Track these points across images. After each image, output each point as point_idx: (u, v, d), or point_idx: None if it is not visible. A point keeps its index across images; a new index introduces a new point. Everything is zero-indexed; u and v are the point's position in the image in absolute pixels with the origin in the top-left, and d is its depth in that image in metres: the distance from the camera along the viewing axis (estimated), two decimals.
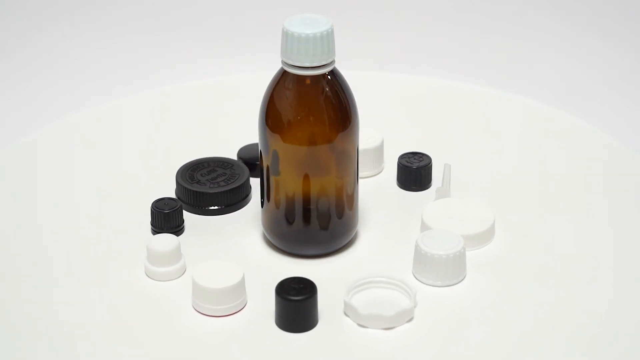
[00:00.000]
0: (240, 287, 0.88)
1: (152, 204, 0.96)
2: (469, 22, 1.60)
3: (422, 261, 0.90)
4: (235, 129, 1.12)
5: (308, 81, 0.88)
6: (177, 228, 0.96)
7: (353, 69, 1.04)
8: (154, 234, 0.96)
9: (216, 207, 0.99)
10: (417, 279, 0.91)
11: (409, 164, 1.03)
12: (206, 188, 0.99)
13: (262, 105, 0.90)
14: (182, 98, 1.22)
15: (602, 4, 1.58)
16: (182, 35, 1.59)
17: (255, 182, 1.01)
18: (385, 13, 1.60)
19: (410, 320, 0.87)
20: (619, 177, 1.06)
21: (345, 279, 0.89)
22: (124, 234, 0.97)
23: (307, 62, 0.87)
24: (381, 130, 1.08)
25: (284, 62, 0.88)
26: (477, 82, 1.39)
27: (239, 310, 0.88)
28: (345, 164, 0.91)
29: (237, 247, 0.95)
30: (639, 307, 0.88)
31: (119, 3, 1.58)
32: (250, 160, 1.04)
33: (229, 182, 1.00)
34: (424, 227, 0.95)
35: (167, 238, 0.92)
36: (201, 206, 0.99)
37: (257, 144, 0.96)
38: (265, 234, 0.95)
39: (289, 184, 0.91)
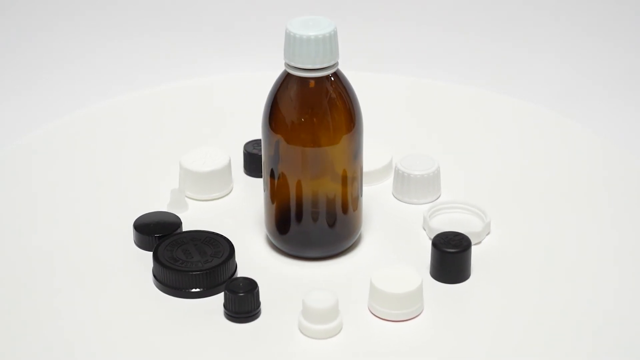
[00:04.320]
0: (419, 293, 0.86)
1: (226, 285, 0.87)
2: (469, 23, 1.60)
3: (403, 182, 1.00)
4: (234, 129, 1.12)
5: (312, 83, 0.88)
6: (254, 311, 0.87)
7: (354, 69, 1.04)
8: (227, 318, 0.87)
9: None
10: (397, 198, 1.01)
11: (256, 151, 1.04)
12: (200, 265, 0.90)
13: (266, 107, 0.90)
14: (181, 97, 1.22)
15: (602, 4, 1.58)
16: (181, 35, 1.59)
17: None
18: (384, 13, 1.60)
19: (478, 243, 0.94)
20: (618, 178, 1.06)
21: (349, 281, 0.90)
22: (123, 234, 0.97)
23: (310, 64, 0.86)
24: (381, 131, 1.08)
25: (287, 65, 0.88)
26: (476, 82, 1.39)
27: (417, 316, 0.87)
28: (349, 166, 0.91)
29: (240, 250, 0.95)
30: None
31: (118, 3, 1.58)
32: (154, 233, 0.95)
33: (217, 255, 0.91)
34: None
35: (324, 294, 0.85)
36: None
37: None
38: (269, 237, 0.95)
39: (292, 187, 0.90)
